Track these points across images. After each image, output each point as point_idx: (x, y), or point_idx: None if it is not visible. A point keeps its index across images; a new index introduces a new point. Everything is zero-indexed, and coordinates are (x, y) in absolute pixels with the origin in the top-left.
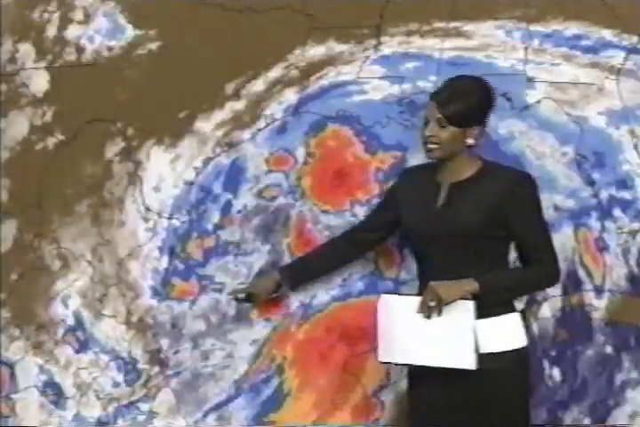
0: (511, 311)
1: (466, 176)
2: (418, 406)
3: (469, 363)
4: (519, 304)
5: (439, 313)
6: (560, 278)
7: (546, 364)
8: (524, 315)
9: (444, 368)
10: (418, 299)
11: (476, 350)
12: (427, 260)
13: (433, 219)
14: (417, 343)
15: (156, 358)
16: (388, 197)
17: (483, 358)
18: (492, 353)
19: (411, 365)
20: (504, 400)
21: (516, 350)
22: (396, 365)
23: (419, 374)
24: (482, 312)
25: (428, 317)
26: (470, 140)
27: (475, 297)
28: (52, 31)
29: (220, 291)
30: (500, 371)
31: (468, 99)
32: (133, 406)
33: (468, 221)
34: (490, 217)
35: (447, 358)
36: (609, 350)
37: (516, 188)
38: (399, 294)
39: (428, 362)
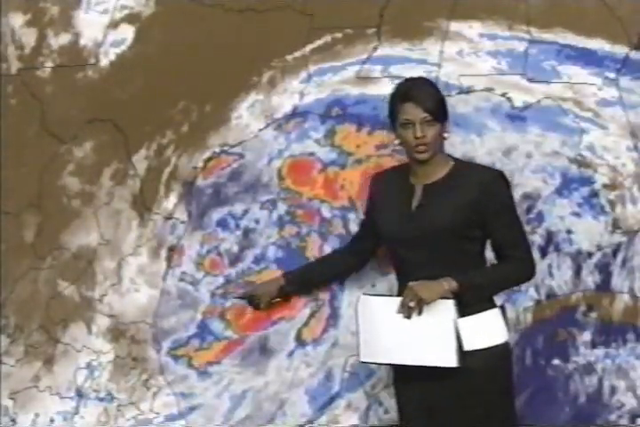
0: (492, 307)
1: (439, 176)
2: (405, 404)
3: (451, 361)
4: (499, 299)
5: (419, 313)
6: (535, 273)
7: (545, 364)
8: (504, 310)
9: (427, 367)
10: (398, 299)
11: (458, 348)
12: (404, 261)
13: (409, 221)
14: (398, 343)
15: (157, 357)
16: (369, 204)
17: (466, 355)
18: (475, 350)
19: (393, 364)
20: (489, 396)
21: (498, 345)
22: (379, 365)
23: (403, 373)
24: (463, 310)
25: (408, 317)
26: (446, 135)
27: (455, 296)
28: (52, 31)
29: (224, 293)
30: (483, 367)
31: (437, 93)
32: (133, 406)
33: (444, 222)
34: (466, 216)
35: (429, 356)
36: (609, 349)
37: (491, 186)
38: (379, 295)
39: (409, 361)
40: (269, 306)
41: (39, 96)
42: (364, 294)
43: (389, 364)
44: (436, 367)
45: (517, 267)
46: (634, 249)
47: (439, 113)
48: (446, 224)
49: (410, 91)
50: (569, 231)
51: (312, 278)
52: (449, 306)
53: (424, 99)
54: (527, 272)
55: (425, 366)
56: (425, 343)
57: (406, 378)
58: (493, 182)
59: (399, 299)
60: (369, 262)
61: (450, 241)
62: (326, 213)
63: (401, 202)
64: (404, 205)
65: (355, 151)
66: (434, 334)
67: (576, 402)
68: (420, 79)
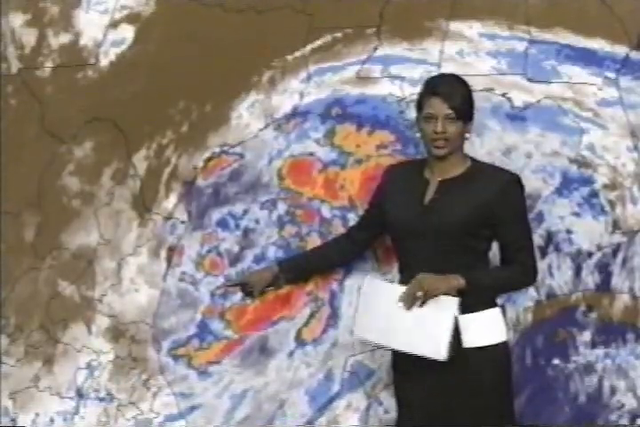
0: (492, 306)
1: (455, 174)
2: (403, 402)
3: (441, 354)
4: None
5: (421, 305)
6: (536, 280)
7: (545, 364)
8: (503, 309)
9: (426, 363)
10: (403, 288)
11: (450, 343)
12: (409, 254)
13: (420, 214)
14: (394, 328)
15: (157, 357)
16: (377, 195)
17: (466, 352)
18: (474, 348)
19: (383, 347)
20: (488, 394)
21: (497, 344)
22: (369, 343)
23: (402, 371)
24: (465, 307)
25: (410, 307)
26: (468, 135)
27: (459, 293)
28: (52, 31)
29: (224, 293)
30: (482, 365)
31: (466, 92)
32: (133, 406)
33: (455, 218)
34: (477, 216)
35: (420, 346)
36: (609, 349)
37: (507, 189)
38: (385, 280)
39: (399, 346)
40: (263, 294)
41: (39, 96)
42: (371, 276)
43: (379, 345)
44: (434, 365)
45: (522, 272)
46: (634, 249)
47: (463, 111)
48: (457, 221)
49: (439, 86)
50: (569, 231)
51: (307, 267)
52: (453, 303)
53: (451, 95)
54: (530, 278)
55: (423, 362)
56: (419, 333)
57: (405, 376)
58: (510, 185)
59: (404, 288)
60: (369, 262)
61: (458, 238)
62: (326, 213)
63: (414, 195)
64: (417, 199)
65: (355, 151)
66: (430, 327)
67: (576, 402)
68: (453, 76)
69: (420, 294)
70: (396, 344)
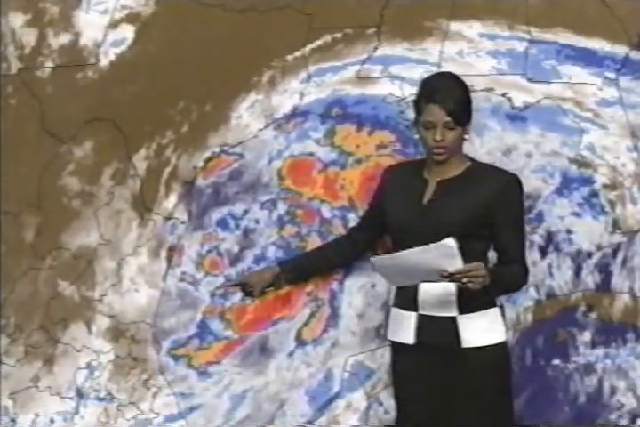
0: (492, 306)
1: (454, 174)
2: (403, 401)
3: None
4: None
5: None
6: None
7: (545, 364)
8: (503, 309)
9: (426, 363)
10: (459, 263)
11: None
12: None
13: (419, 214)
14: (402, 266)
15: (157, 357)
16: (377, 195)
17: (465, 352)
18: (474, 348)
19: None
20: (487, 394)
21: (496, 344)
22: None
23: (402, 370)
24: (464, 307)
25: (448, 277)
26: (467, 137)
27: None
28: (52, 31)
29: (224, 293)
30: (482, 365)
31: (463, 95)
32: (133, 406)
33: (453, 218)
34: (476, 216)
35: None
36: (609, 349)
37: (506, 189)
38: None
39: (382, 272)
40: (263, 294)
41: (39, 96)
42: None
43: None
44: (438, 364)
45: (522, 273)
46: (634, 249)
47: (462, 117)
48: (455, 221)
49: (436, 92)
50: (569, 231)
51: (307, 268)
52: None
53: (449, 102)
54: (527, 279)
55: (423, 363)
56: (402, 273)
57: (405, 376)
58: (509, 186)
59: (461, 264)
60: (369, 262)
61: (457, 238)
62: (326, 213)
63: (413, 195)
64: (416, 199)
65: (355, 151)
66: (409, 268)
67: (576, 402)
68: (450, 77)
69: (465, 280)
70: (384, 272)
